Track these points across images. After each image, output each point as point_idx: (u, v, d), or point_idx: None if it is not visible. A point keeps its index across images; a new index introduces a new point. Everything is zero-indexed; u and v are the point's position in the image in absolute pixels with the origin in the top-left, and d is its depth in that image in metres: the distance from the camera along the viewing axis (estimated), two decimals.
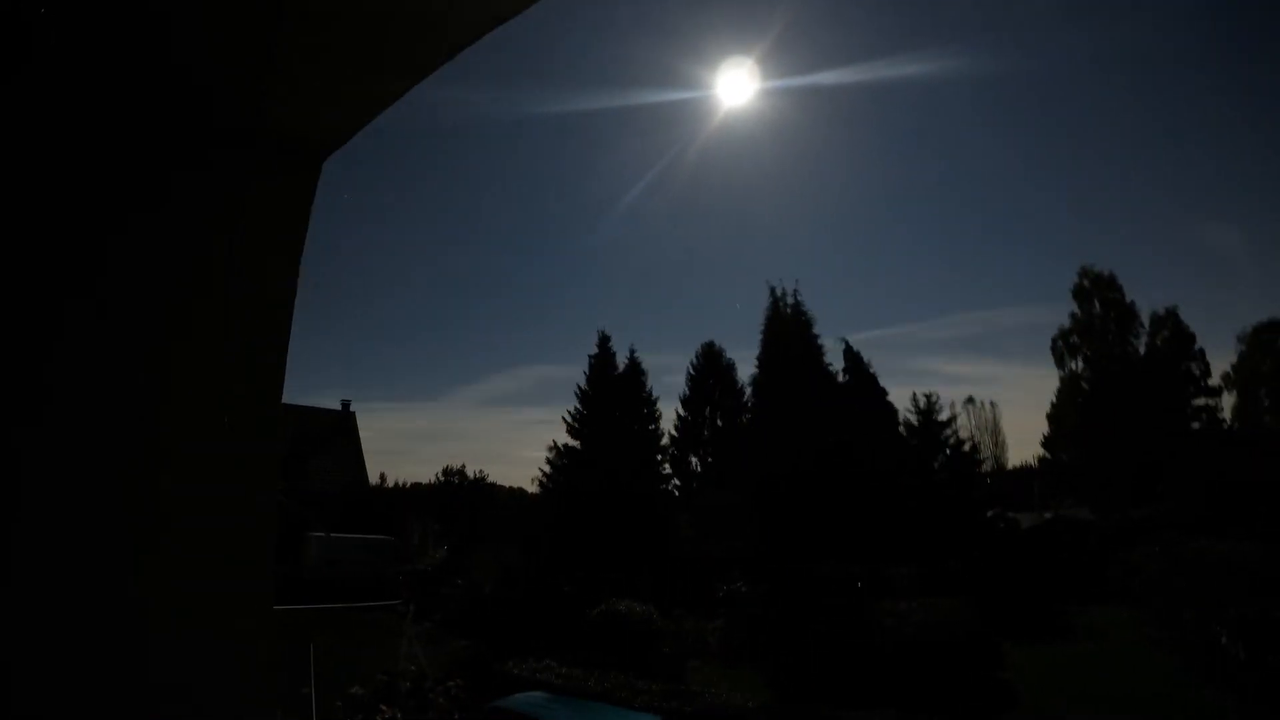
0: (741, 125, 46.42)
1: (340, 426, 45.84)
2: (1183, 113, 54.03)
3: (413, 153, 64.96)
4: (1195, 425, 41.19)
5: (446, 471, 48.69)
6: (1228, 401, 43.66)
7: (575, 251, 72.02)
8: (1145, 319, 44.12)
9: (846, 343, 33.85)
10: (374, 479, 47.29)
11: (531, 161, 67.89)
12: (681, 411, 41.34)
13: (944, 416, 31.93)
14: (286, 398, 2.47)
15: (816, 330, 34.38)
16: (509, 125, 60.03)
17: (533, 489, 40.37)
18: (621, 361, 37.29)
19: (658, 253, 73.02)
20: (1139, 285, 58.17)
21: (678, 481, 39.92)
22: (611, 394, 36.12)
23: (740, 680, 15.31)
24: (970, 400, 55.41)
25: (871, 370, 33.20)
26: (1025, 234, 64.91)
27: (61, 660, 1.92)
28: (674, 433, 40.49)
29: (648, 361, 38.95)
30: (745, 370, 40.11)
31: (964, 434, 37.25)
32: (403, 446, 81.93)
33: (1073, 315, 46.24)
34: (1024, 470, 53.27)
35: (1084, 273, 46.15)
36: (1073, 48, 49.30)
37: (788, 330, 34.32)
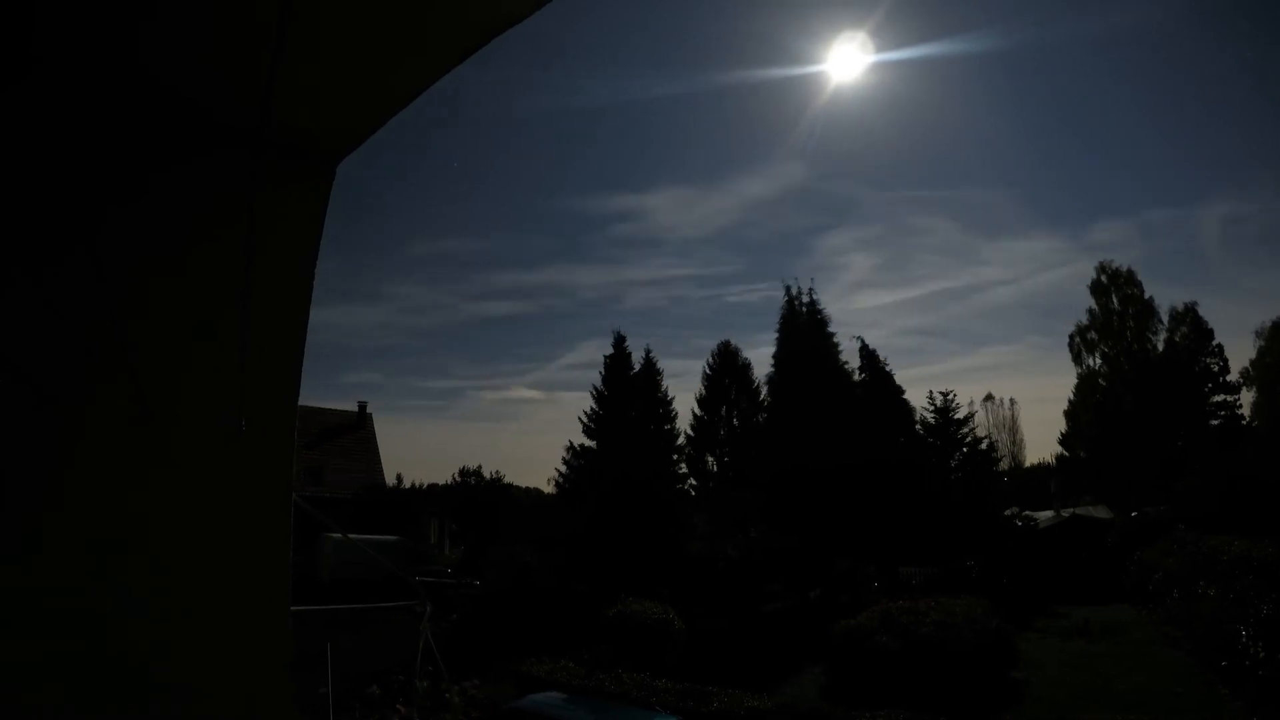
0: (852, 100, 44.74)
1: (356, 427, 46.12)
2: (1199, 96, 52.79)
3: (465, 140, 63.86)
4: (1214, 422, 40.65)
5: (463, 472, 48.80)
6: (1246, 398, 43.16)
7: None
8: (1164, 314, 43.59)
9: (862, 341, 33.77)
10: (390, 479, 47.46)
11: (602, 153, 66.62)
12: (698, 411, 41.24)
13: (961, 414, 31.73)
14: (302, 399, 2.49)
15: (832, 329, 34.32)
16: (577, 112, 58.44)
17: (549, 489, 40.41)
18: (637, 361, 37.23)
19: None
20: (1158, 279, 56.74)
21: (694, 481, 39.78)
22: (627, 394, 36.03)
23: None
24: (989, 398, 54.69)
25: (888, 368, 33.09)
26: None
27: (65, 659, 1.94)
28: (690, 432, 40.41)
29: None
30: (761, 369, 39.98)
31: (981, 432, 37.00)
32: (420, 447, 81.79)
33: (1090, 311, 45.75)
34: (1042, 468, 52.68)
35: (1102, 268, 45.62)
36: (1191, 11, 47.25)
37: (803, 329, 34.22)
